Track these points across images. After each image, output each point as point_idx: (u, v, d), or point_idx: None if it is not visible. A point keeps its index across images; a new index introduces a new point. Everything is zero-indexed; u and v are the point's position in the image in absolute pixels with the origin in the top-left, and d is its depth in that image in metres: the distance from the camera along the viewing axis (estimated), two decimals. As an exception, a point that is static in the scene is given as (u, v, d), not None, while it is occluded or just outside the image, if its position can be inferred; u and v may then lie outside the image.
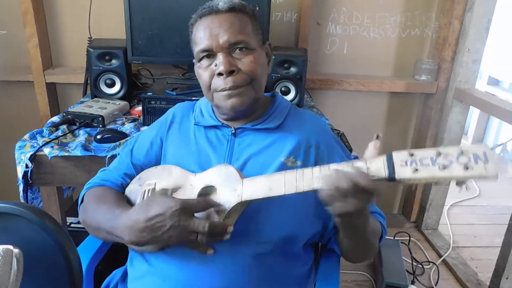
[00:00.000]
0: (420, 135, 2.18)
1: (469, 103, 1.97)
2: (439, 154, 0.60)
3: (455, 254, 2.08)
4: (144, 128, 1.36)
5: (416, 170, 0.61)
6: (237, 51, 0.81)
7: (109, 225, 0.77)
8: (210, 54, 0.82)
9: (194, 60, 0.85)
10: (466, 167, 0.58)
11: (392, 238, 2.11)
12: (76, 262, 0.56)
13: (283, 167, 0.82)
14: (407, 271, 1.85)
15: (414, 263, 1.95)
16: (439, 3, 1.95)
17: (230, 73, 0.80)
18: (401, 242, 2.05)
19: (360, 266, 1.93)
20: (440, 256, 2.07)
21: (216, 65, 0.81)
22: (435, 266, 1.97)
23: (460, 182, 0.61)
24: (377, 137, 0.68)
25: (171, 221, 0.69)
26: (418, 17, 1.97)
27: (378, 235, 0.87)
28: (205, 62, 0.83)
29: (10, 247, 0.48)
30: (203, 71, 0.83)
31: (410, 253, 1.99)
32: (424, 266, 1.97)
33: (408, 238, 2.14)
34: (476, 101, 1.90)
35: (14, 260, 0.46)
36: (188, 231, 0.70)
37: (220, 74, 0.80)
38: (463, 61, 1.92)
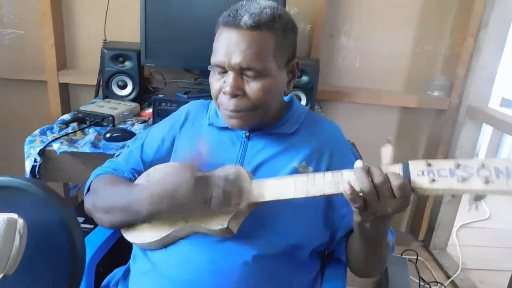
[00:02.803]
0: (430, 152, 2.15)
1: (481, 120, 1.94)
2: (458, 165, 0.57)
3: (464, 276, 2.02)
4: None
5: (433, 180, 0.58)
6: (249, 73, 0.77)
7: (125, 200, 0.79)
8: (222, 69, 0.80)
9: (209, 67, 0.84)
10: (487, 181, 0.55)
11: (399, 256, 2.06)
12: (79, 241, 0.55)
13: (295, 173, 0.80)
14: (414, 290, 1.81)
15: (422, 283, 1.90)
16: (454, 19, 1.94)
17: (235, 96, 0.78)
18: (409, 260, 2.00)
19: (366, 283, 1.87)
20: (448, 277, 2.00)
21: (225, 82, 0.79)
22: (443, 287, 1.91)
23: (478, 197, 0.59)
24: (388, 141, 0.66)
25: (187, 184, 0.70)
26: (432, 33, 1.96)
27: (389, 250, 0.84)
28: (217, 74, 0.81)
29: (15, 215, 0.46)
30: (214, 81, 0.82)
31: (418, 272, 1.94)
32: (432, 286, 1.91)
33: (415, 256, 2.09)
34: (489, 118, 1.87)
35: (18, 230, 0.45)
36: (203, 197, 0.71)
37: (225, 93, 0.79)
38: (476, 78, 1.90)
